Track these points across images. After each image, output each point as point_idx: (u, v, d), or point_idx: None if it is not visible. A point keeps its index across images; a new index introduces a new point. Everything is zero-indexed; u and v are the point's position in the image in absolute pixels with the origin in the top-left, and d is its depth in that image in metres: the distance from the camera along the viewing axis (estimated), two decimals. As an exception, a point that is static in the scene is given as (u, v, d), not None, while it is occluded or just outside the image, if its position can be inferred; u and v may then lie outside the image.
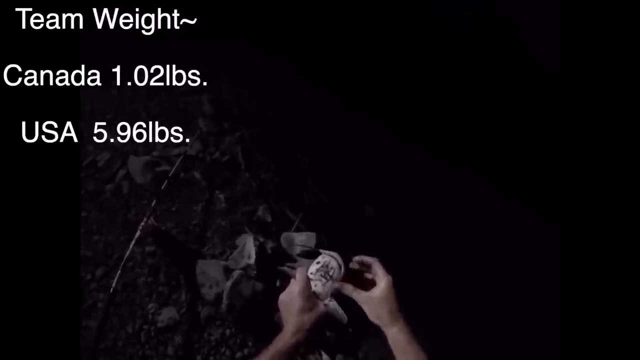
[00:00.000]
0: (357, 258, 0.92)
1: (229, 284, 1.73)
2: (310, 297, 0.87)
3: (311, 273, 0.93)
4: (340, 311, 0.87)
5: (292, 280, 0.91)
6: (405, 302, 0.82)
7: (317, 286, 0.90)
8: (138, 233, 1.87)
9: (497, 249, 2.97)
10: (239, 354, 1.77)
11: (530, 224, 3.35)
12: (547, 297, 2.08)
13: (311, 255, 0.99)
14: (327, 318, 0.87)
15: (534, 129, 4.44)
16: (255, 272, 1.75)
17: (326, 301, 0.88)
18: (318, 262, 0.95)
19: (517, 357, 2.43)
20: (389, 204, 2.83)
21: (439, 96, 4.39)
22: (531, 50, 5.39)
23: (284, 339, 0.81)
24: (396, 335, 0.79)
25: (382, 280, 0.84)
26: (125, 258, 1.76)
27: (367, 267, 0.90)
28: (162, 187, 2.09)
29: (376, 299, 0.83)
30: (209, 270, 1.85)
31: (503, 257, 2.93)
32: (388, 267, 0.87)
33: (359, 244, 2.49)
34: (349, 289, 0.87)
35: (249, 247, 1.80)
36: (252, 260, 1.75)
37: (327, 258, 0.95)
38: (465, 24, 5.60)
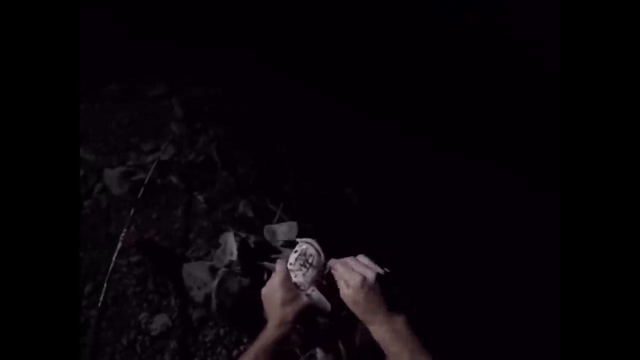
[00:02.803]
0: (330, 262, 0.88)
1: (215, 283, 1.72)
2: (292, 288, 0.85)
3: (290, 264, 0.92)
4: (323, 300, 0.85)
5: (273, 273, 0.90)
6: (392, 288, 0.79)
7: (297, 277, 0.88)
8: (120, 245, 1.86)
9: (489, 235, 2.93)
10: (235, 352, 1.76)
11: (528, 212, 3.32)
12: (546, 285, 2.07)
13: (294, 245, 0.98)
14: (310, 308, 0.85)
15: (532, 120, 4.44)
16: (239, 267, 1.74)
17: (308, 291, 0.86)
18: (296, 251, 0.93)
19: (515, 349, 2.41)
20: (372, 187, 2.81)
21: (433, 89, 4.41)
22: (531, 50, 5.36)
23: (268, 333, 0.80)
24: (374, 333, 0.77)
25: (349, 282, 0.79)
26: (109, 271, 1.75)
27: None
28: (139, 196, 2.07)
29: (346, 300, 0.80)
30: (195, 272, 1.84)
31: (497, 244, 2.89)
32: (374, 260, 0.83)
33: (344, 227, 2.48)
34: (339, 269, 0.83)
35: (230, 243, 1.78)
36: (235, 257, 1.73)
37: (305, 245, 0.93)
38: (464, 23, 5.57)
